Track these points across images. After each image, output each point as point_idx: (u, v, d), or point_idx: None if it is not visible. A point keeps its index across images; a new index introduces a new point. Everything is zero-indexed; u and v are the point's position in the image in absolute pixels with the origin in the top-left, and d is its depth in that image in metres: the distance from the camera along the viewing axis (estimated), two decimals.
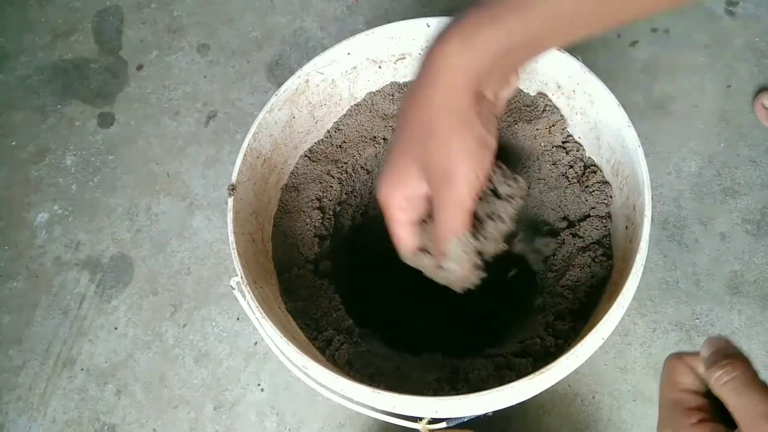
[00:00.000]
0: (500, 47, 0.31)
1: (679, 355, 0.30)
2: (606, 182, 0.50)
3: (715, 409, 0.28)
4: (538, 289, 0.53)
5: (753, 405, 0.25)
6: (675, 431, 0.28)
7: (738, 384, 0.26)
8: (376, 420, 0.67)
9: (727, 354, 0.28)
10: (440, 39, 0.32)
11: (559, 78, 0.51)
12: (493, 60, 0.31)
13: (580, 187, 0.51)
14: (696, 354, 0.29)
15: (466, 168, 0.32)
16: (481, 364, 0.45)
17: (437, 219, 0.34)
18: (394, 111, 0.57)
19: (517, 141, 0.54)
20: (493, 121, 0.34)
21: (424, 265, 0.38)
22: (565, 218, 0.52)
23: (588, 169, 0.52)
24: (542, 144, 0.53)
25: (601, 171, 0.51)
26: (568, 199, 0.52)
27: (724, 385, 0.27)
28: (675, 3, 0.31)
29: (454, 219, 0.34)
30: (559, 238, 0.51)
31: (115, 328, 0.76)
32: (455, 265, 0.36)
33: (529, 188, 0.48)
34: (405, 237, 0.37)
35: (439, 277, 0.38)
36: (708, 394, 0.29)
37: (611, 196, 0.50)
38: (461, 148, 0.32)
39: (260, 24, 0.93)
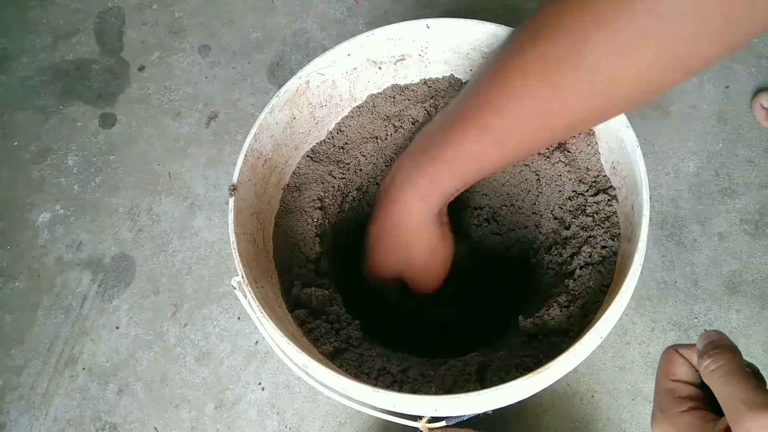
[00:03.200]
0: (455, 191, 0.43)
1: (675, 347, 0.32)
2: (609, 186, 0.50)
3: (708, 400, 0.29)
4: (537, 287, 0.53)
5: (735, 391, 0.26)
6: (665, 417, 0.30)
7: (723, 372, 0.28)
8: (377, 419, 0.67)
9: (718, 345, 0.29)
10: (403, 198, 0.44)
11: None
12: (449, 199, 0.45)
13: (580, 188, 0.52)
14: (692, 346, 0.31)
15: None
16: (481, 363, 0.45)
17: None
18: (396, 112, 0.58)
19: None
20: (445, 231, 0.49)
21: None
22: (561, 220, 0.52)
23: (589, 171, 0.52)
24: None
25: (603, 171, 0.51)
26: (565, 196, 0.52)
27: (712, 372, 0.28)
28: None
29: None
30: (561, 248, 0.51)
31: (117, 328, 0.76)
32: None
33: None
34: None
35: None
36: (702, 386, 0.30)
37: (615, 196, 0.50)
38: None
39: (261, 25, 0.93)
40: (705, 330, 0.31)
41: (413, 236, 0.47)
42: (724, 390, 0.27)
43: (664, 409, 0.30)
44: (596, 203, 0.50)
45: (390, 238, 0.48)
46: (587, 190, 0.51)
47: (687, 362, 0.31)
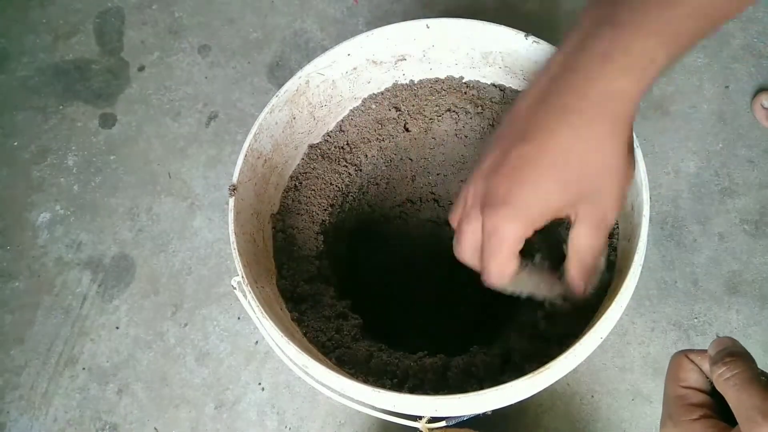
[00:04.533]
0: (663, 69, 0.31)
1: (685, 353, 0.31)
2: None
3: (718, 408, 0.29)
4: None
5: (751, 400, 0.26)
6: (676, 425, 0.29)
7: (738, 380, 0.27)
8: (377, 419, 0.67)
9: (732, 352, 0.28)
10: (606, 70, 0.31)
11: None
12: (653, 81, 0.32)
13: None
14: (702, 352, 0.30)
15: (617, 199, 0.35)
16: (482, 363, 0.45)
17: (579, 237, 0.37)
18: (395, 114, 0.58)
19: None
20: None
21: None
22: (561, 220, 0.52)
23: None
24: None
25: None
26: None
27: (726, 381, 0.27)
28: None
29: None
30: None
31: (117, 328, 0.76)
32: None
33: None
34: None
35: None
36: (713, 393, 0.29)
37: None
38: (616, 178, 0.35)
39: (260, 25, 0.93)
40: (717, 336, 0.30)
41: (613, 140, 0.33)
42: (739, 399, 0.26)
43: (674, 416, 0.29)
44: None
45: (569, 147, 0.32)
46: None
47: (697, 368, 0.30)
